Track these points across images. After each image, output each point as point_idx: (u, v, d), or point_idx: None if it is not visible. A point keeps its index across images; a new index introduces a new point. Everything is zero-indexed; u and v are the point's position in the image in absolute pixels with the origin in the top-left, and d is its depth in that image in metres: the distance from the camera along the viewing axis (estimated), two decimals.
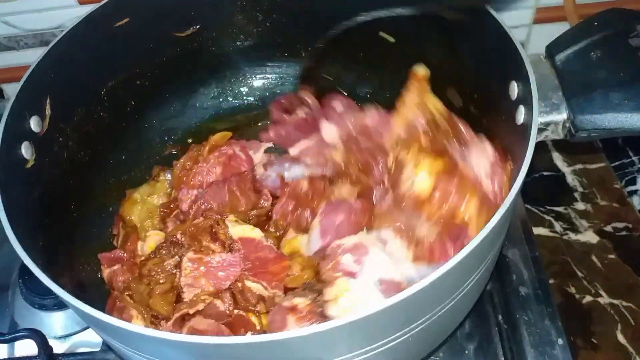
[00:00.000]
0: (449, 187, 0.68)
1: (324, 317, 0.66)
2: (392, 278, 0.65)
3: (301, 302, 0.68)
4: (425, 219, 0.69)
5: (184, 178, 0.89)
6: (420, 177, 0.70)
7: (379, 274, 0.66)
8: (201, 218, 0.81)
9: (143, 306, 0.74)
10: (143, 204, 0.90)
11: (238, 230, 0.78)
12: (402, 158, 0.73)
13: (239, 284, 0.75)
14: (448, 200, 0.68)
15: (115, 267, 0.81)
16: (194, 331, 0.71)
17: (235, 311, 0.74)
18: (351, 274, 0.66)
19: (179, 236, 0.79)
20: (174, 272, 0.76)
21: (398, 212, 0.73)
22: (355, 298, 0.65)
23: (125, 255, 0.83)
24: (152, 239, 0.84)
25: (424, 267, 0.67)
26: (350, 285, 0.65)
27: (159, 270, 0.76)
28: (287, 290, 0.75)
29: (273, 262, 0.76)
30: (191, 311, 0.72)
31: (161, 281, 0.76)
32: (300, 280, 0.74)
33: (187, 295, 0.74)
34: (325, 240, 0.76)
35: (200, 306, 0.73)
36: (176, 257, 0.77)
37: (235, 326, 0.73)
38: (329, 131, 0.85)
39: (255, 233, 0.78)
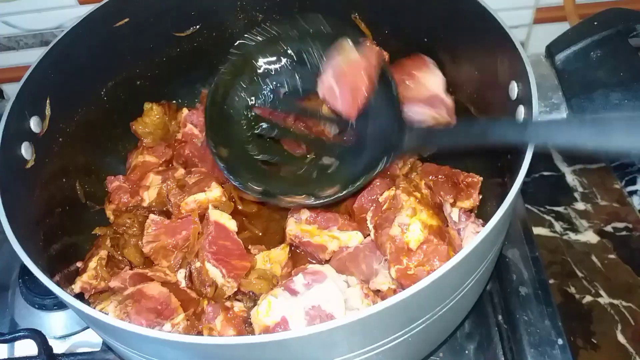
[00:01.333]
0: (437, 248, 0.66)
1: (248, 324, 0.69)
2: (330, 312, 0.64)
3: (237, 306, 0.72)
4: (393, 270, 0.67)
5: None
6: (414, 226, 0.67)
7: (317, 302, 0.64)
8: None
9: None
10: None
11: (215, 214, 0.79)
12: (402, 200, 0.71)
13: (199, 263, 0.75)
14: (429, 262, 0.66)
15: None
16: (141, 293, 0.72)
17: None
18: (293, 292, 0.66)
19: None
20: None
21: (363, 258, 0.73)
22: (275, 314, 0.64)
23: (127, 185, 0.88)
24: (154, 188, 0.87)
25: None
26: (275, 303, 0.65)
27: (133, 222, 0.82)
28: (239, 290, 0.76)
29: (237, 257, 0.77)
30: (149, 274, 0.76)
31: (133, 232, 0.82)
32: (251, 287, 0.75)
33: (146, 250, 0.80)
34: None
35: (153, 273, 0.77)
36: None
37: (186, 304, 0.74)
38: None
39: (230, 224, 0.79)
